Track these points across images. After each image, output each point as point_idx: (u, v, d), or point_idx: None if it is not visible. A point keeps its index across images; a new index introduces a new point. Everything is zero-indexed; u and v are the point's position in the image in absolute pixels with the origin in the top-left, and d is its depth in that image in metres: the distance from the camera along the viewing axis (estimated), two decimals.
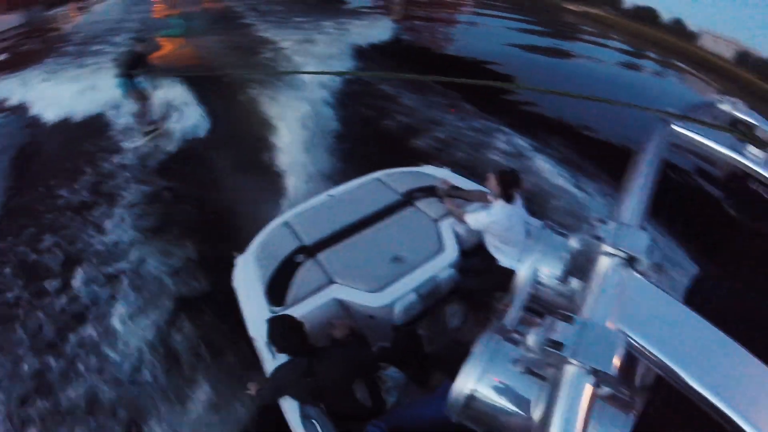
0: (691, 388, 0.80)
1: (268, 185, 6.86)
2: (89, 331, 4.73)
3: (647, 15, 28.67)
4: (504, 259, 3.52)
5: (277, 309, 3.26)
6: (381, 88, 10.76)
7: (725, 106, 1.64)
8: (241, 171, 7.31)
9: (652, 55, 22.38)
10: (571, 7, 30.68)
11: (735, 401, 0.78)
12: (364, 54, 13.45)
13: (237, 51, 13.62)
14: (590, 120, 10.00)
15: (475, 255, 3.73)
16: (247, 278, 3.63)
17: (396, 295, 3.25)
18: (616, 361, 0.76)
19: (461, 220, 3.70)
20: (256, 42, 14.61)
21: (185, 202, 6.77)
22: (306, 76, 10.50)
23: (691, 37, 26.97)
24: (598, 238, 1.02)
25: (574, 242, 1.09)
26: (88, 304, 5.09)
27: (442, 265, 3.47)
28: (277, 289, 3.41)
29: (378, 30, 16.48)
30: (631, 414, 0.87)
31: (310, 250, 3.68)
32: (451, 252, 3.58)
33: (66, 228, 6.37)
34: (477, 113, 9.60)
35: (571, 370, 0.76)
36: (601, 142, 9.29)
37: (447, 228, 3.78)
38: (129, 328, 4.73)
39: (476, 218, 3.52)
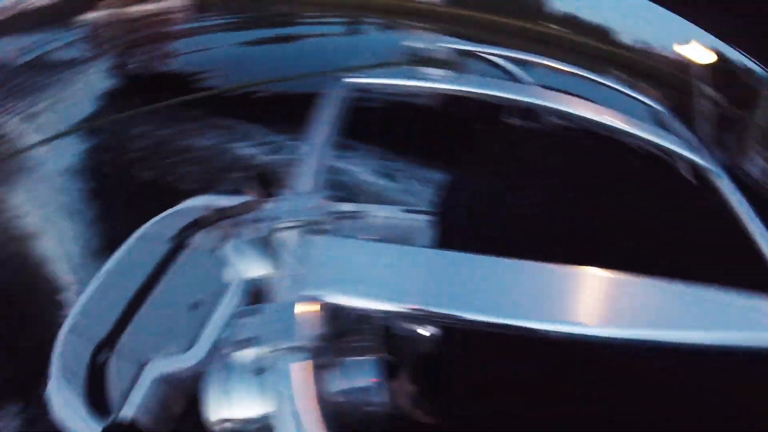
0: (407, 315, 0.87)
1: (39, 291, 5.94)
2: None
3: None
4: None
5: (106, 420, 2.86)
6: (126, 133, 9.78)
7: (416, 43, 1.72)
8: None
9: (369, 18, 24.22)
10: None
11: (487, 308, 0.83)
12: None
13: None
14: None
15: None
16: (63, 403, 3.16)
17: (210, 342, 3.03)
18: (310, 329, 0.77)
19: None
20: None
21: None
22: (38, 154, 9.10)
23: None
24: (272, 218, 1.04)
25: (258, 230, 1.11)
26: None
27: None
28: (96, 400, 3.03)
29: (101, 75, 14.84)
30: (375, 357, 0.90)
31: (107, 344, 3.32)
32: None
33: None
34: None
35: (272, 358, 0.76)
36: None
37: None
38: None
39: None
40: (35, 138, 9.98)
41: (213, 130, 9.42)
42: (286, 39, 19.20)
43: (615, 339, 0.86)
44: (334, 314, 0.91)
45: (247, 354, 0.80)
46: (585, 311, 0.93)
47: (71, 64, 18.20)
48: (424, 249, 0.89)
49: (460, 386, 1.33)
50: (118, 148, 9.34)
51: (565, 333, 0.85)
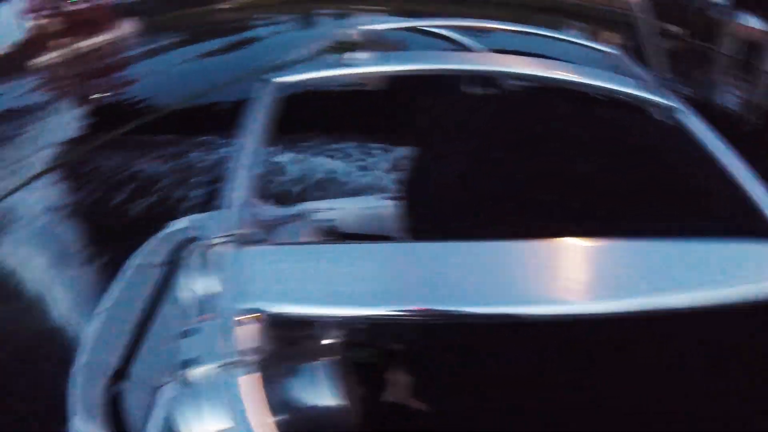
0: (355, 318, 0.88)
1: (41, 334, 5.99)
2: None
3: None
4: None
5: None
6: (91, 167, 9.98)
7: (347, 31, 1.67)
8: None
9: (316, 11, 24.76)
10: (224, 5, 31.78)
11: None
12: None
13: None
14: None
15: None
16: None
17: None
18: (251, 342, 0.77)
19: None
20: None
21: None
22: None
23: None
24: (194, 239, 1.08)
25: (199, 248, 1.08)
26: None
27: None
28: (118, 430, 2.95)
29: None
30: (327, 361, 0.94)
31: (120, 374, 3.21)
32: None
33: None
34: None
35: (219, 374, 0.76)
36: None
37: None
38: None
39: None
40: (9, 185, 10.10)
41: (170, 151, 9.66)
42: (235, 46, 19.86)
43: (615, 312, 0.83)
44: (278, 324, 0.90)
45: (194, 373, 0.80)
46: (577, 286, 0.89)
47: (34, 109, 18.58)
48: (370, 244, 1.01)
49: (441, 380, 1.27)
50: (86, 184, 9.47)
51: (558, 314, 0.83)
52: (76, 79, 23.89)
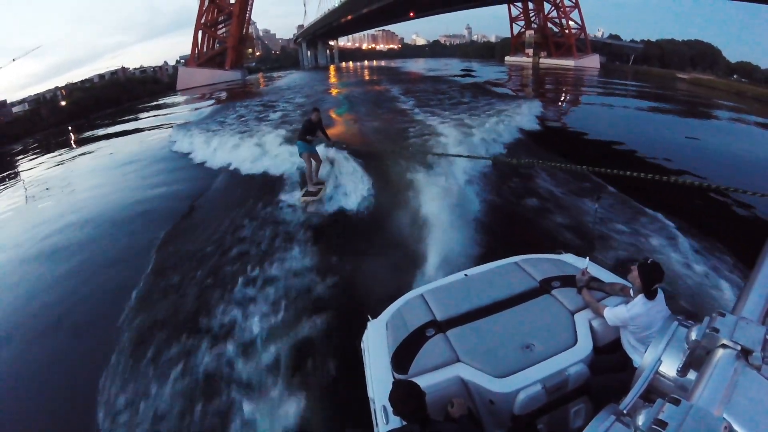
0: None
1: (411, 257, 7.24)
2: None
3: None
4: (639, 360, 3.08)
5: (400, 376, 3.31)
6: (522, 170, 11.25)
7: None
8: (389, 239, 7.98)
9: None
10: (682, 75, 39.85)
11: None
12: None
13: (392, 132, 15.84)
14: None
15: (609, 352, 3.53)
16: (376, 342, 3.73)
17: (520, 384, 3.12)
18: None
19: (598, 314, 3.56)
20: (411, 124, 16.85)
21: (329, 261, 7.56)
22: (454, 159, 11.06)
23: None
24: (716, 330, 1.08)
25: (694, 334, 1.16)
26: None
27: (573, 359, 3.28)
28: (402, 357, 3.43)
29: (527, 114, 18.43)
30: None
31: (440, 326, 3.68)
32: (584, 346, 3.39)
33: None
34: (628, 202, 9.40)
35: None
36: None
37: (583, 321, 3.60)
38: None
39: (614, 313, 3.39)
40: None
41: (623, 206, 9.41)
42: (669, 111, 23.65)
43: None
44: None
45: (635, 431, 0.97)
46: None
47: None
48: None
49: None
50: (508, 183, 10.79)
51: None
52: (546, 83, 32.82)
